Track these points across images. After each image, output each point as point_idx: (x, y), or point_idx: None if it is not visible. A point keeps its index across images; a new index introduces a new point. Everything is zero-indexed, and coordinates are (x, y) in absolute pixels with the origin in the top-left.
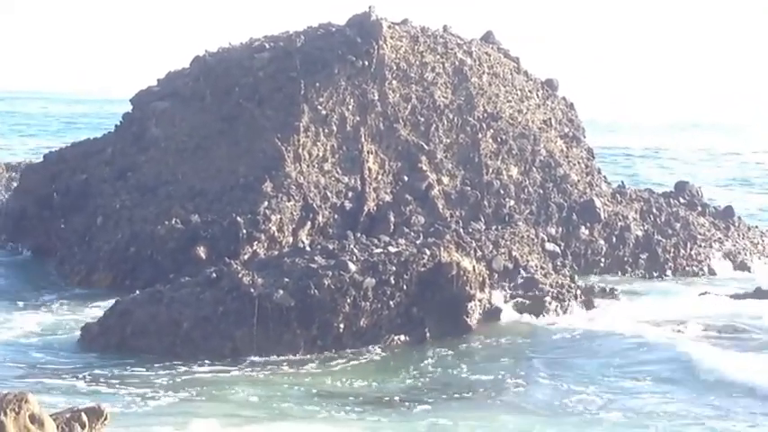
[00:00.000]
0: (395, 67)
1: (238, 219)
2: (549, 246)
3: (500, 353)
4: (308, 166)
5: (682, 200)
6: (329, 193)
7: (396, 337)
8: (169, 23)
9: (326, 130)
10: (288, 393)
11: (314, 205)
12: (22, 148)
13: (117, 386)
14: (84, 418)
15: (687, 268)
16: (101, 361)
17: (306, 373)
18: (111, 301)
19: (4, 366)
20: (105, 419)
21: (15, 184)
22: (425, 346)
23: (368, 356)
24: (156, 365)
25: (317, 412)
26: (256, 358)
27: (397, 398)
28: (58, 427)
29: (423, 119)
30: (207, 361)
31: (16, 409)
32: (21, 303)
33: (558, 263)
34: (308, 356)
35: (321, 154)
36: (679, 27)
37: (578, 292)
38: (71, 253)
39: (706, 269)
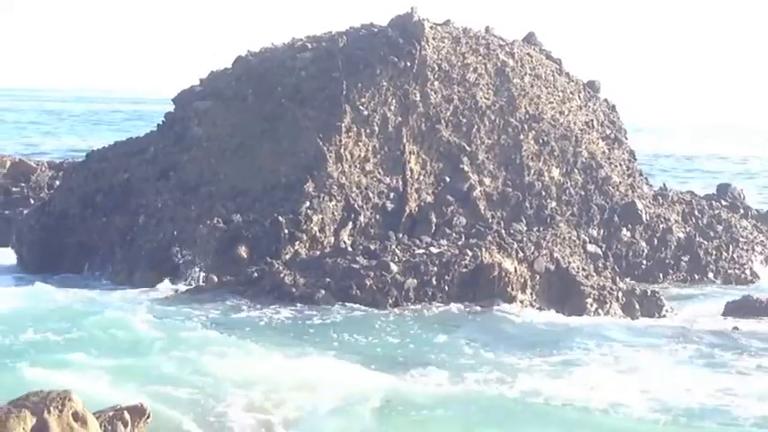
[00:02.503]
0: (437, 68)
1: (280, 218)
2: (591, 247)
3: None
4: (349, 166)
5: (724, 202)
6: (371, 194)
7: None
8: (212, 24)
9: (368, 131)
10: None
11: (355, 205)
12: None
13: None
14: (127, 416)
15: (729, 271)
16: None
17: None
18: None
19: None
20: (148, 418)
21: (58, 183)
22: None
23: None
24: None
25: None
26: None
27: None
28: (100, 425)
29: (464, 120)
30: None
31: (60, 408)
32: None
33: (600, 265)
34: None
35: (363, 154)
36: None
37: (620, 294)
38: (113, 252)
39: (748, 272)
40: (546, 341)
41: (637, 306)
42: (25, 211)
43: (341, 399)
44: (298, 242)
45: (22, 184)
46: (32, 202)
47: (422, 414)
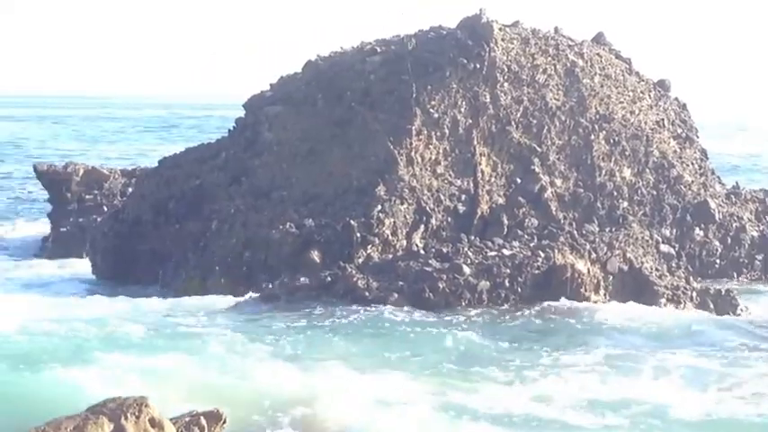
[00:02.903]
0: (506, 70)
1: (352, 222)
2: (664, 247)
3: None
4: (420, 169)
5: None
6: (442, 196)
7: None
8: (281, 29)
9: (439, 133)
10: None
11: (427, 208)
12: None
13: None
14: (203, 421)
15: None
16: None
17: None
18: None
19: None
20: (224, 423)
21: (130, 190)
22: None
23: None
24: None
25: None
26: None
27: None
28: (177, 430)
29: (535, 121)
30: None
31: (136, 414)
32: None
33: (673, 264)
34: None
35: (434, 157)
36: None
37: (693, 293)
38: (186, 258)
39: None
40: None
41: (711, 305)
42: (99, 219)
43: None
44: (370, 246)
45: (96, 192)
46: (106, 209)
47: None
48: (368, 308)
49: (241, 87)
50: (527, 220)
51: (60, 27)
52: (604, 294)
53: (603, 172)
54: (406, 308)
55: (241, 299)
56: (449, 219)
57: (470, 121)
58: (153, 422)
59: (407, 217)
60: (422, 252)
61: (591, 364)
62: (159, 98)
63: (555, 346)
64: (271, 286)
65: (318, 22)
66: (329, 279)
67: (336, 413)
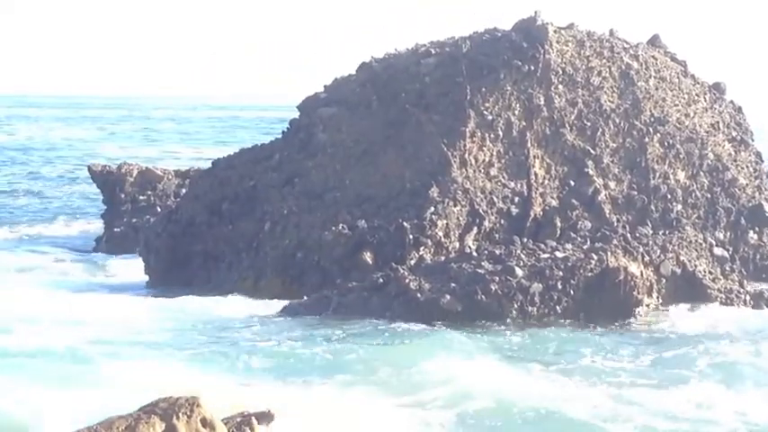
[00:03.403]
0: (561, 72)
1: (405, 224)
2: (718, 250)
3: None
4: (474, 171)
5: None
6: (495, 198)
7: None
8: (281, 29)
9: (492, 135)
10: None
11: (480, 210)
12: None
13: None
14: (255, 421)
15: None
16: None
17: None
18: (280, 305)
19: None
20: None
21: (184, 191)
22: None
23: None
24: None
25: None
26: None
27: None
28: (228, 430)
29: (589, 123)
30: None
31: (188, 414)
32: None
33: (727, 268)
34: None
35: (487, 159)
36: None
37: (747, 297)
38: (239, 259)
39: None
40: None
41: (765, 308)
42: (152, 219)
43: None
44: (422, 247)
45: (149, 193)
46: (159, 210)
47: None
48: (419, 315)
49: (241, 87)
50: (580, 223)
51: (60, 27)
52: (657, 297)
53: (657, 175)
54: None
55: (293, 301)
56: (501, 221)
57: (524, 123)
58: (204, 422)
59: (460, 219)
60: (474, 254)
61: None
62: (160, 98)
63: None
64: (323, 287)
65: (318, 23)
66: (381, 280)
67: None
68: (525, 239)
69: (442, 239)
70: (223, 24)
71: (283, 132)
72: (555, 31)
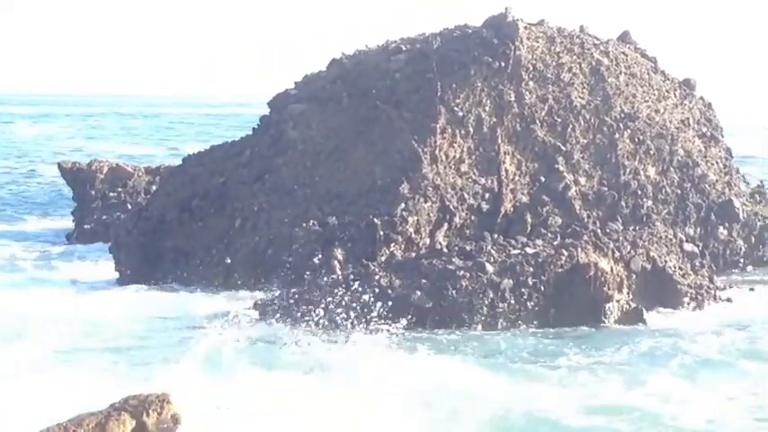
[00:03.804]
0: (531, 68)
1: (375, 220)
2: (688, 246)
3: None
4: (444, 167)
5: None
6: (466, 195)
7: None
8: (281, 29)
9: (463, 132)
10: None
11: (451, 207)
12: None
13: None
14: None
15: None
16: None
17: None
18: (251, 301)
19: None
20: None
21: (154, 188)
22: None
23: None
24: None
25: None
26: None
27: None
28: None
29: (559, 119)
30: None
31: (158, 410)
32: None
33: (697, 263)
34: None
35: (458, 155)
36: None
37: (717, 292)
38: (209, 255)
39: None
40: None
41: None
42: (123, 216)
43: None
44: (393, 244)
45: (120, 189)
46: (130, 206)
47: None
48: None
49: (241, 87)
50: (551, 219)
51: (59, 26)
52: (627, 293)
53: (628, 171)
54: (430, 304)
55: (265, 297)
56: (472, 217)
57: (495, 119)
58: (175, 419)
59: (431, 215)
60: (445, 250)
61: None
62: (160, 98)
63: None
64: (294, 284)
65: (318, 23)
66: (352, 277)
67: None
68: (496, 235)
69: (413, 236)
70: (223, 24)
71: (254, 129)
72: (525, 28)
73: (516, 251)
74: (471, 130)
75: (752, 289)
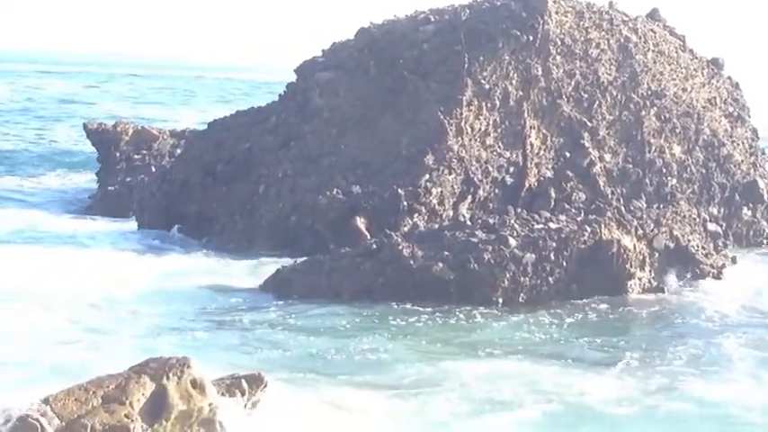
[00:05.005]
0: (559, 43)
1: (399, 191)
2: (711, 226)
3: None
4: (470, 139)
5: None
6: (490, 168)
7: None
8: (281, 29)
9: (489, 105)
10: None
11: (475, 179)
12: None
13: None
14: (245, 384)
15: None
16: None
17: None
18: (273, 268)
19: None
20: (265, 386)
21: (179, 152)
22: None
23: None
24: None
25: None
26: None
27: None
28: (218, 392)
29: (586, 95)
30: None
31: (179, 374)
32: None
33: (720, 243)
34: None
35: (483, 128)
36: None
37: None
38: (232, 221)
39: None
40: None
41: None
42: (146, 179)
43: None
44: (416, 215)
45: (144, 152)
46: (154, 169)
47: None
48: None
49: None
50: (575, 195)
51: (59, 26)
52: (649, 271)
53: (653, 148)
54: (452, 276)
55: (286, 266)
56: (496, 190)
57: (521, 93)
58: (194, 383)
59: (455, 187)
60: (468, 223)
61: None
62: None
63: None
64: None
65: (318, 23)
66: (375, 246)
67: None
68: (519, 209)
69: (436, 207)
70: (223, 24)
71: (280, 95)
72: (554, 2)
73: (539, 226)
74: (497, 103)
75: None
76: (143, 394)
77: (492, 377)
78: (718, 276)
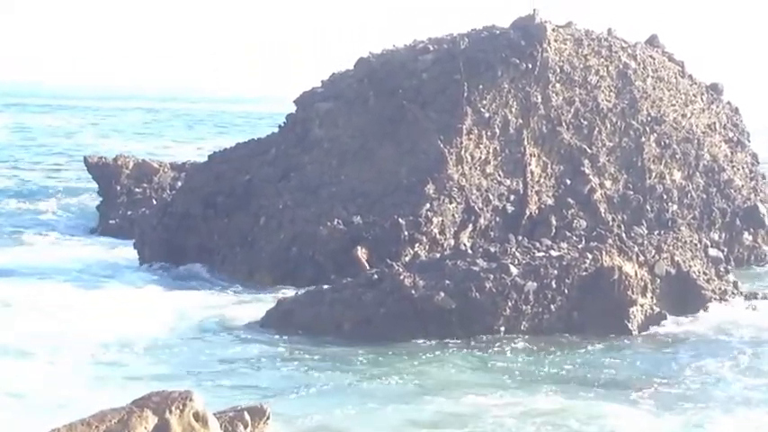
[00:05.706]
0: (558, 70)
1: (400, 220)
2: (712, 251)
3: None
4: (470, 168)
5: None
6: (491, 196)
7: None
8: (281, 29)
9: (489, 133)
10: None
11: (476, 208)
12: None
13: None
14: (247, 417)
15: None
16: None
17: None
18: (274, 300)
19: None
20: (268, 419)
21: (180, 184)
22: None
23: None
24: None
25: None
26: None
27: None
28: (221, 425)
29: (586, 122)
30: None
31: (181, 408)
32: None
33: (721, 269)
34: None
35: (483, 156)
36: None
37: (741, 298)
38: (233, 253)
39: None
40: None
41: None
42: (147, 212)
43: None
44: (417, 244)
45: (145, 185)
46: (155, 202)
47: None
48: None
49: (241, 87)
50: (575, 222)
51: (59, 26)
52: (651, 298)
53: (653, 174)
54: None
55: (287, 296)
56: (497, 218)
57: (521, 121)
58: (197, 416)
59: (456, 216)
60: (469, 251)
61: None
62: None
63: None
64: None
65: (318, 23)
66: (376, 276)
67: None
68: (520, 237)
69: (438, 236)
70: (223, 24)
71: (280, 127)
72: (553, 30)
73: (540, 253)
74: (497, 131)
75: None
76: (145, 428)
77: (513, 410)
78: (719, 302)
